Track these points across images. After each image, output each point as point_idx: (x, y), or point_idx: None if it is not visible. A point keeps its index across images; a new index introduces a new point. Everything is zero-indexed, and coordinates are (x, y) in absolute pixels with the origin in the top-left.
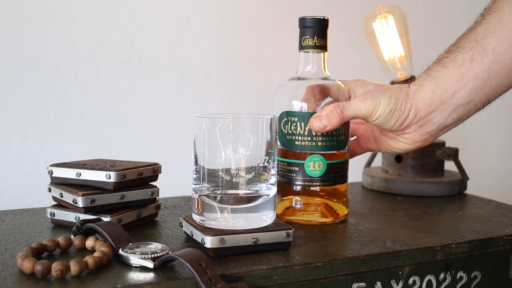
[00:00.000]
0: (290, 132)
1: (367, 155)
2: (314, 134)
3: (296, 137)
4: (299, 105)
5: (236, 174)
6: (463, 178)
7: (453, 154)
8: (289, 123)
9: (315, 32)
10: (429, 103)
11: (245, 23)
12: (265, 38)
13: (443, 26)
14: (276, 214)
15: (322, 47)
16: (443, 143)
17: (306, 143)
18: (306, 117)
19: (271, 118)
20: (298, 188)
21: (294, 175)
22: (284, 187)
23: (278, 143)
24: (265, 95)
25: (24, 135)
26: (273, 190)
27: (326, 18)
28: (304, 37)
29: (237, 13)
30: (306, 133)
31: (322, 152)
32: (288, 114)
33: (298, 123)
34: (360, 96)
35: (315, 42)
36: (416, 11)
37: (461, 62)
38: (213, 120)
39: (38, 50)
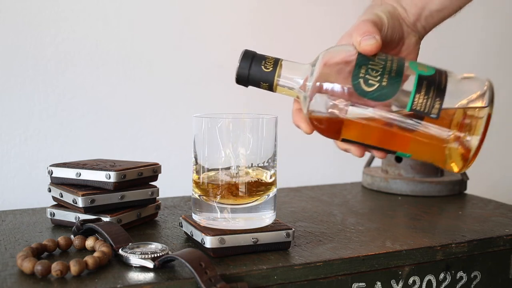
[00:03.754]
0: (378, 73)
1: (367, 155)
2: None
3: (387, 75)
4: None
5: (236, 174)
6: (463, 178)
7: None
8: (369, 69)
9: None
10: (413, 9)
11: (244, 23)
12: (265, 38)
13: (442, 26)
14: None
15: (275, 64)
16: None
17: (393, 69)
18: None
19: (273, 118)
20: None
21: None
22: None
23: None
24: (265, 95)
25: (24, 135)
26: (273, 190)
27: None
28: (259, 79)
29: (237, 13)
30: (389, 64)
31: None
32: (361, 65)
33: (378, 61)
34: (361, 20)
35: (267, 65)
36: None
37: None
38: (213, 120)
39: (38, 50)
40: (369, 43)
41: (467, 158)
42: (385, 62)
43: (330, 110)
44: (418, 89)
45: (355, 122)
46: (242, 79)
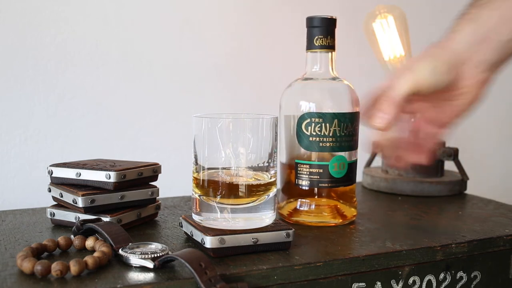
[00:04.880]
0: (314, 133)
1: (367, 155)
2: (338, 134)
3: (321, 139)
4: (307, 106)
5: (236, 174)
6: (463, 178)
7: (453, 154)
8: (313, 124)
9: (323, 31)
10: (472, 41)
11: (245, 23)
12: (265, 38)
13: (443, 26)
14: (282, 215)
15: (330, 47)
16: (443, 143)
17: (330, 144)
18: (331, 118)
19: (273, 118)
20: (320, 189)
21: (318, 177)
22: (292, 188)
23: (282, 143)
24: (265, 95)
25: (24, 135)
26: (273, 190)
27: (334, 17)
28: (312, 37)
29: (237, 13)
30: (331, 134)
31: (345, 153)
32: (311, 115)
33: (323, 124)
34: (399, 75)
35: (323, 41)
36: (416, 11)
37: (500, 2)
38: (213, 120)
39: (38, 50)
40: (378, 123)
41: None
42: (334, 136)
43: None
44: (311, 166)
45: None
46: None
